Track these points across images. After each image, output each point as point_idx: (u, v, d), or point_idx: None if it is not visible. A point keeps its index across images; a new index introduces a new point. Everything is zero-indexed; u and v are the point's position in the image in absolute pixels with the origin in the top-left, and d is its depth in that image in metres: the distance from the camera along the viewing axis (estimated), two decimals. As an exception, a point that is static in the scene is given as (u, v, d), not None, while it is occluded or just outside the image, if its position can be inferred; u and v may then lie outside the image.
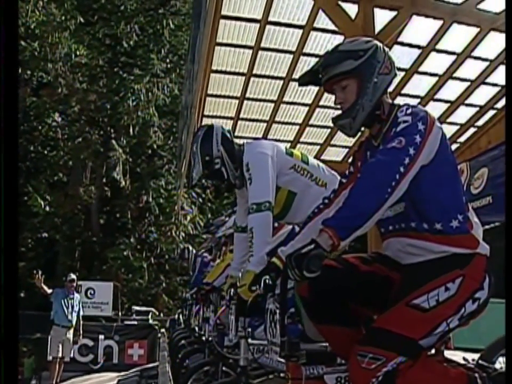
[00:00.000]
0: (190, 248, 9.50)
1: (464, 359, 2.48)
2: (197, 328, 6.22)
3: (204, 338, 5.25)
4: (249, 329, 3.12)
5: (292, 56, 8.98)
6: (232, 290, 3.47)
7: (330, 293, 2.14)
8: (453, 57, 8.85)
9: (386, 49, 2.33)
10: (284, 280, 1.95)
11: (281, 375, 3.85)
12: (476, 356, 2.83)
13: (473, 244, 2.10)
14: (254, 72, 9.31)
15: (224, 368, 4.09)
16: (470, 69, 9.08)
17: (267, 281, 2.30)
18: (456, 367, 2.18)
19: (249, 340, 3.06)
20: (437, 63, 8.93)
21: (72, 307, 10.19)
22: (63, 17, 19.08)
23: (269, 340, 2.18)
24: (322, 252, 1.83)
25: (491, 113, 9.76)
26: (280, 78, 9.53)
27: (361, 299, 2.24)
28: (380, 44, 2.32)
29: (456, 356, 2.48)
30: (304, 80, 2.46)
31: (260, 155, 3.21)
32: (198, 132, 3.52)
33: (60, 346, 9.78)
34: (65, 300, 10.12)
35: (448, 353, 2.39)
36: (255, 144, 3.37)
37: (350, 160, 9.46)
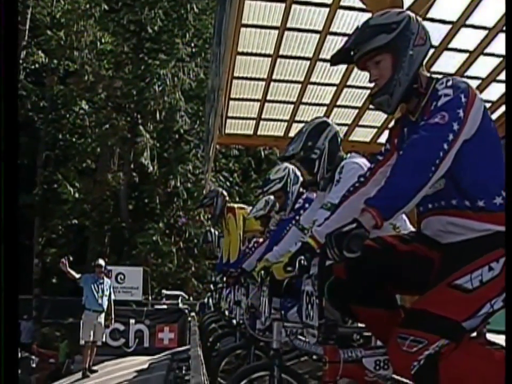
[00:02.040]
0: (213, 230, 9.47)
1: (508, 341, 2.38)
2: (227, 312, 6.22)
3: (234, 321, 5.24)
4: (283, 311, 3.06)
5: (318, 35, 8.80)
6: (263, 272, 3.44)
7: (368, 273, 2.06)
8: (484, 32, 8.59)
9: (419, 19, 2.22)
10: (321, 261, 1.88)
11: (314, 357, 3.81)
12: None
13: None
14: (280, 53, 9.15)
15: (256, 351, 4.06)
16: (502, 44, 8.80)
17: (302, 262, 2.24)
18: (500, 350, 2.09)
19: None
20: (468, 38, 8.68)
21: (103, 291, 10.26)
22: (88, 5, 19.14)
23: (305, 322, 2.12)
24: (364, 231, 1.75)
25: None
26: (307, 59, 9.36)
27: (400, 280, 2.16)
28: (412, 15, 2.22)
29: (498, 338, 2.38)
30: (336, 59, 2.37)
31: (357, 167, 3.16)
32: (315, 120, 3.56)
33: (92, 331, 9.88)
34: (95, 285, 10.20)
35: (490, 336, 2.30)
36: (358, 158, 3.36)
37: (379, 140, 9.27)
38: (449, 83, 2.04)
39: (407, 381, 1.94)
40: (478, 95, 2.03)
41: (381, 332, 2.20)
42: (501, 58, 9.06)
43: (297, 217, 4.10)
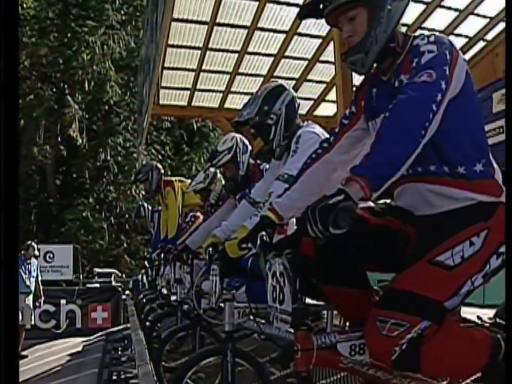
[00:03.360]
0: (146, 205, 9.15)
1: (479, 317, 2.28)
2: (165, 290, 5.95)
3: (173, 299, 5.00)
4: (234, 291, 2.84)
5: (257, 3, 8.56)
6: (211, 249, 3.21)
7: (338, 250, 1.86)
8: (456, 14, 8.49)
9: None
10: (297, 237, 1.65)
11: (262, 337, 3.62)
12: (480, 311, 2.65)
13: (497, 191, 1.86)
14: (218, 20, 8.86)
15: (200, 333, 3.84)
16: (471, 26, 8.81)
17: (264, 238, 2.01)
18: (478, 329, 1.96)
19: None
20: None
21: (30, 272, 9.84)
22: (7, -35, 17.90)
23: (272, 306, 1.90)
24: (352, 204, 1.52)
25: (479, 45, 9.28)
26: (244, 27, 9.12)
27: (372, 256, 1.97)
28: None
29: (465, 313, 2.26)
30: (304, 13, 2.13)
31: (315, 137, 2.96)
32: (271, 83, 3.33)
33: (20, 313, 9.39)
34: (23, 266, 9.73)
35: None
36: (316, 127, 3.16)
37: (315, 112, 9.09)
38: (432, 39, 1.85)
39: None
40: (461, 53, 1.85)
41: (351, 313, 2.03)
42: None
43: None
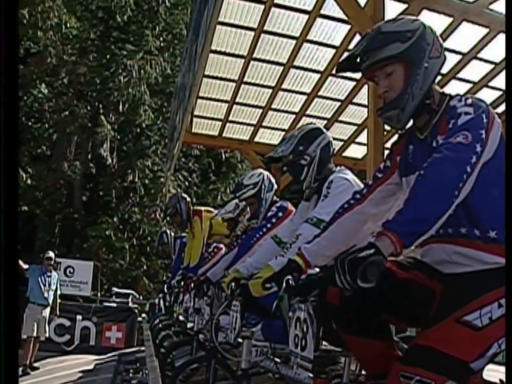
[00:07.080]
0: (168, 231, 9.23)
1: (501, 381, 2.25)
2: (181, 317, 5.99)
3: (189, 326, 5.03)
4: (253, 329, 2.87)
5: (294, 42, 8.72)
6: (234, 284, 3.23)
7: (364, 301, 1.89)
8: (459, 57, 8.64)
9: (434, 29, 2.08)
10: (323, 285, 1.69)
11: (276, 376, 3.61)
12: (500, 368, 2.60)
13: None
14: (254, 55, 9.04)
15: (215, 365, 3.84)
16: (475, 71, 8.90)
17: (290, 282, 2.05)
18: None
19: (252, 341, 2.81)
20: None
21: (49, 285, 9.89)
22: (55, -15, 18.45)
23: (293, 351, 1.93)
24: (382, 259, 1.56)
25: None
26: (280, 64, 9.28)
27: (397, 309, 2.00)
28: (427, 24, 2.07)
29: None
30: (342, 67, 2.20)
31: (347, 183, 3.01)
32: (309, 125, 3.39)
33: (35, 325, 9.46)
34: (42, 278, 9.82)
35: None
36: (348, 173, 3.21)
37: (344, 153, 9.09)
38: (469, 101, 1.90)
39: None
40: (496, 117, 1.90)
41: (371, 364, 2.05)
42: (472, 84, 9.11)
43: (268, 225, 3.93)
